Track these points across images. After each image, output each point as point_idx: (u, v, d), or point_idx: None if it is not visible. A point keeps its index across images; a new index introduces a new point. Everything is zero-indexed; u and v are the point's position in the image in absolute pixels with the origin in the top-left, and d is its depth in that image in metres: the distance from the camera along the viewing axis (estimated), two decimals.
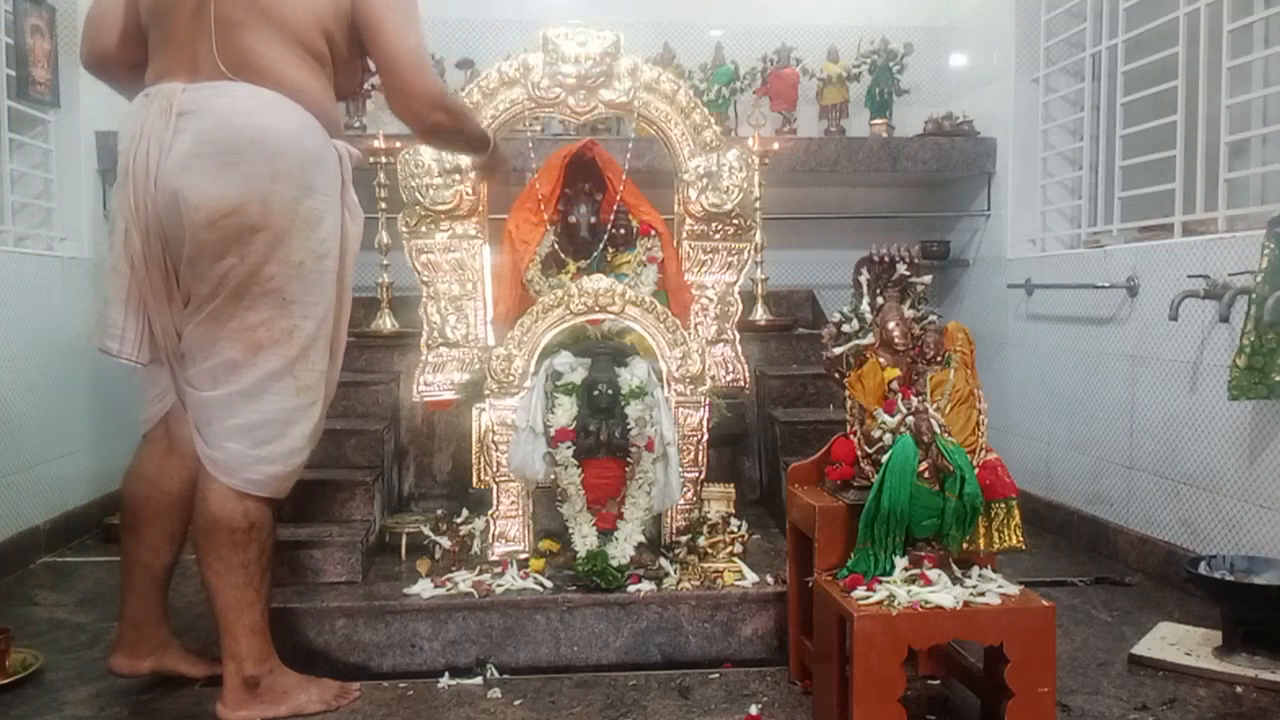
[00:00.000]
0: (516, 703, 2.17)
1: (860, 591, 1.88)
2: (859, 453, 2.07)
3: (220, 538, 1.98)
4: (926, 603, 1.84)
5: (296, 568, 2.50)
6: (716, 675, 2.31)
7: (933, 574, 1.90)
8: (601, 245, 3.01)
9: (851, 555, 1.98)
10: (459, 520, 2.74)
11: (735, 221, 3.05)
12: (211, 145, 1.90)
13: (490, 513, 2.62)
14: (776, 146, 3.45)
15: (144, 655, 2.17)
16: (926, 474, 1.93)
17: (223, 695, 2.02)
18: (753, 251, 3.15)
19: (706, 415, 2.68)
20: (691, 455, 2.65)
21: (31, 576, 3.16)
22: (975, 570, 1.97)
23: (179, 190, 1.89)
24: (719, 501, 2.78)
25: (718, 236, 3.06)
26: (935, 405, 2.03)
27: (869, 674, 1.79)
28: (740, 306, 3.11)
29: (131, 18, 2.07)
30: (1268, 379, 2.44)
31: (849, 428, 2.12)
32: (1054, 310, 3.70)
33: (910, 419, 1.96)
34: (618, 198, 3.00)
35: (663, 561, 2.51)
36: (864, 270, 2.14)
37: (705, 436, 2.69)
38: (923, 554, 1.94)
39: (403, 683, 2.26)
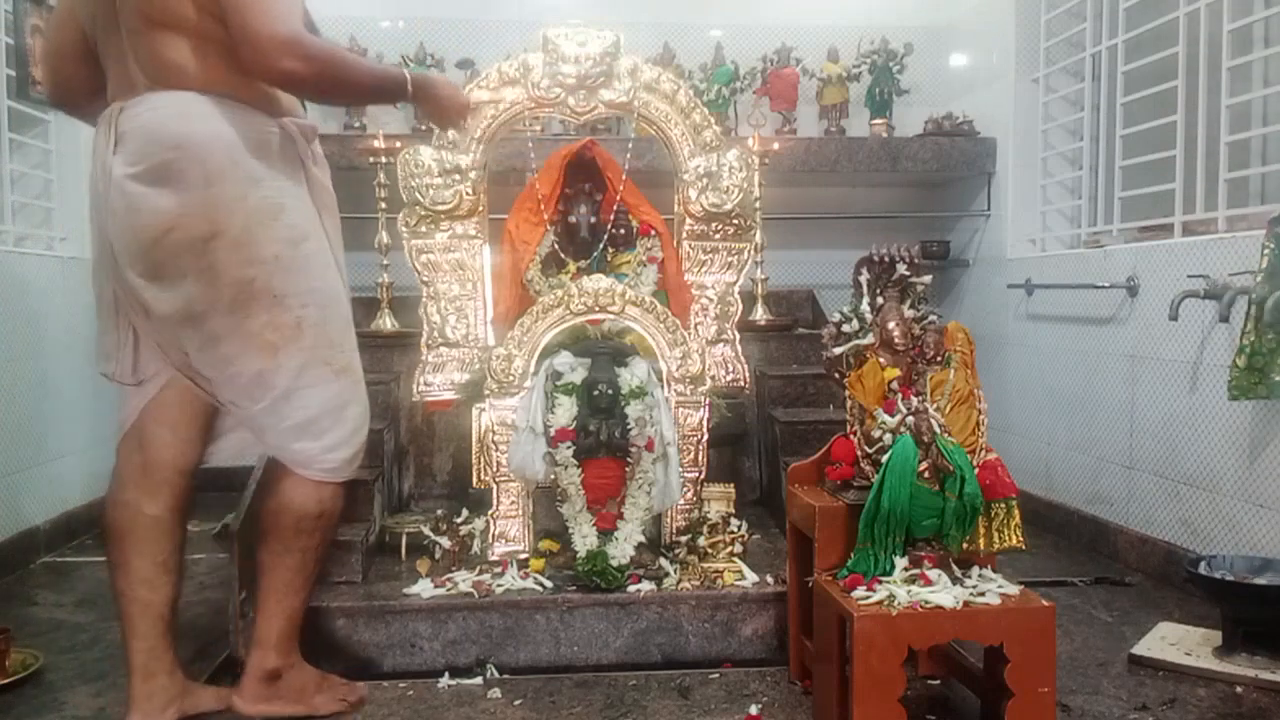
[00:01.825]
0: (516, 703, 2.17)
1: (860, 591, 1.88)
2: (859, 453, 2.07)
3: (287, 520, 1.97)
4: (926, 603, 1.84)
5: None
6: (716, 675, 2.31)
7: (933, 574, 1.90)
8: (601, 245, 3.01)
9: (851, 555, 1.98)
10: (459, 520, 2.74)
11: (735, 221, 3.05)
12: (140, 163, 1.84)
13: (490, 513, 2.62)
14: (776, 146, 3.44)
15: (163, 708, 1.98)
16: (926, 474, 1.93)
17: (241, 685, 2.00)
18: (753, 251, 3.14)
19: (706, 415, 2.68)
20: (691, 455, 2.65)
21: (31, 576, 3.16)
22: (975, 570, 1.97)
23: (119, 215, 1.85)
24: (719, 501, 2.78)
25: (718, 236, 3.06)
26: (935, 405, 2.03)
27: (869, 674, 1.79)
28: (740, 306, 3.11)
29: (90, 44, 1.98)
30: (1268, 379, 2.45)
31: (849, 428, 2.12)
32: (1054, 310, 3.70)
33: (910, 419, 1.96)
34: (618, 198, 3.00)
35: (663, 561, 2.51)
36: (864, 270, 2.13)
37: (705, 436, 2.69)
38: (923, 554, 1.94)
39: (403, 683, 2.26)
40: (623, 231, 3.02)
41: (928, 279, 2.13)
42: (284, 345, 1.92)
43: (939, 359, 2.07)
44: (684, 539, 2.58)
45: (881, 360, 2.06)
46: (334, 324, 1.99)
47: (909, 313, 2.09)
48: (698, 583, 2.45)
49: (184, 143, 1.84)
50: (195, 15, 1.85)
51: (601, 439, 2.44)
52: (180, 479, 2.00)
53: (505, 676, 2.31)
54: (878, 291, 2.12)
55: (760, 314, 3.50)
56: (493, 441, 2.59)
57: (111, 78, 1.95)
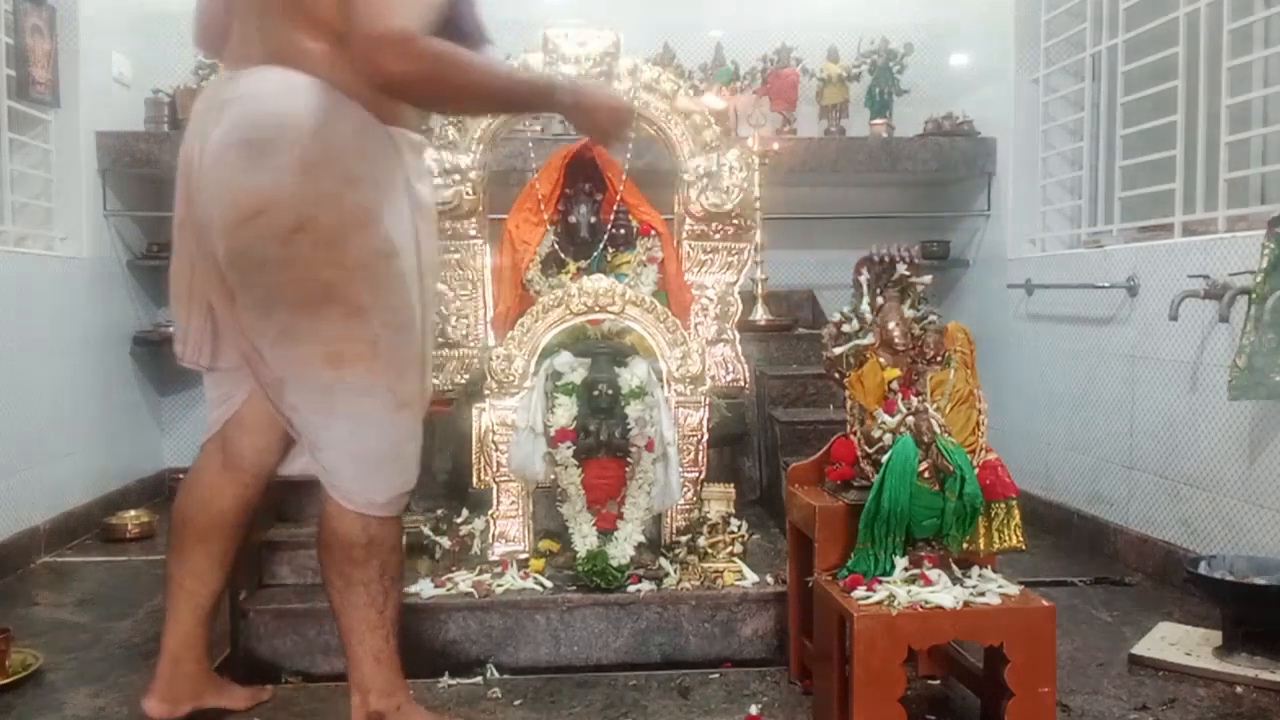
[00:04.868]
0: (516, 703, 2.17)
1: (860, 591, 1.88)
2: (859, 453, 2.07)
3: (339, 553, 1.85)
4: (926, 603, 1.84)
5: (296, 568, 2.50)
6: (716, 675, 2.31)
7: (933, 574, 1.90)
8: (601, 245, 3.01)
9: (851, 555, 1.98)
10: (459, 520, 2.74)
11: (735, 221, 3.04)
12: (238, 135, 1.71)
13: (490, 513, 2.62)
14: (776, 146, 3.45)
15: (182, 697, 1.99)
16: (926, 474, 1.93)
17: None
18: (753, 251, 3.14)
19: (706, 415, 2.68)
20: (691, 455, 2.65)
21: (31, 576, 3.15)
22: (975, 570, 1.97)
23: (212, 186, 1.73)
24: (719, 501, 2.78)
25: (718, 236, 3.06)
26: (935, 405, 2.03)
27: (869, 674, 1.79)
28: (740, 306, 3.11)
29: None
30: (1268, 379, 2.44)
31: (849, 428, 2.12)
32: (1054, 310, 3.70)
33: (910, 419, 1.96)
34: (618, 198, 3.00)
35: (663, 561, 2.51)
36: (864, 270, 2.14)
37: (705, 436, 2.69)
38: (923, 554, 1.94)
39: None
40: (623, 231, 3.02)
41: (928, 279, 2.13)
42: (354, 361, 1.78)
43: (939, 359, 2.07)
44: (684, 539, 2.58)
45: (881, 360, 2.06)
46: (407, 352, 1.84)
47: (909, 313, 2.09)
48: (698, 583, 2.45)
49: (283, 124, 1.70)
50: (336, 14, 1.71)
51: (601, 439, 2.44)
52: (255, 482, 1.97)
53: (505, 676, 2.31)
54: (878, 291, 2.12)
55: (760, 314, 3.51)
56: (493, 441, 2.59)
57: (233, 42, 1.85)
